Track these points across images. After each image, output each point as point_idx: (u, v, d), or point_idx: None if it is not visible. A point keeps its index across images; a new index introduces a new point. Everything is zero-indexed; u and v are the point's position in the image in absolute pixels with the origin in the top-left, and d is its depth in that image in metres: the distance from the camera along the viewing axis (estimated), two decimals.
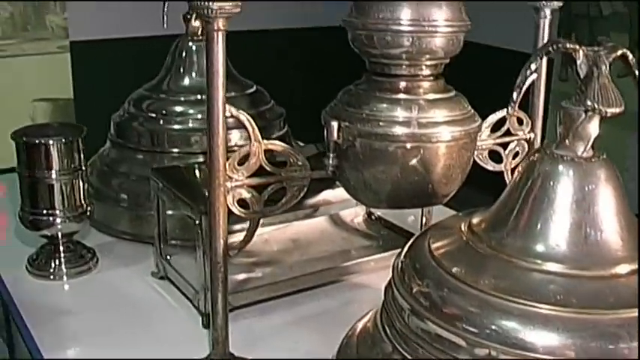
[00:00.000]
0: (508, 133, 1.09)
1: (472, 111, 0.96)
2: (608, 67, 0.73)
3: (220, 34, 0.81)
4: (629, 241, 0.73)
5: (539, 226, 0.73)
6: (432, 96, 0.93)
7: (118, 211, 1.31)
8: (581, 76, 0.73)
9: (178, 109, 1.33)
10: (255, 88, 1.40)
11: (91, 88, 3.16)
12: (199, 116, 1.32)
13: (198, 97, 1.34)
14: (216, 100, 0.83)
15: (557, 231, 0.73)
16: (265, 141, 0.88)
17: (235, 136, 1.28)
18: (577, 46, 0.73)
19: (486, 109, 1.05)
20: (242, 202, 0.88)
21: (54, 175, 1.14)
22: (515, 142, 1.11)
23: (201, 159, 1.29)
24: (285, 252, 1.22)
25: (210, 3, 0.80)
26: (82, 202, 1.17)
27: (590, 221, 0.73)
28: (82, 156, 1.16)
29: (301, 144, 1.49)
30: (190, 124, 1.32)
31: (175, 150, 1.31)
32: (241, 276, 1.13)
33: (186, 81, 1.36)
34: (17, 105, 3.12)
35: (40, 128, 1.17)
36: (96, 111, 3.12)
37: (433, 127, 0.92)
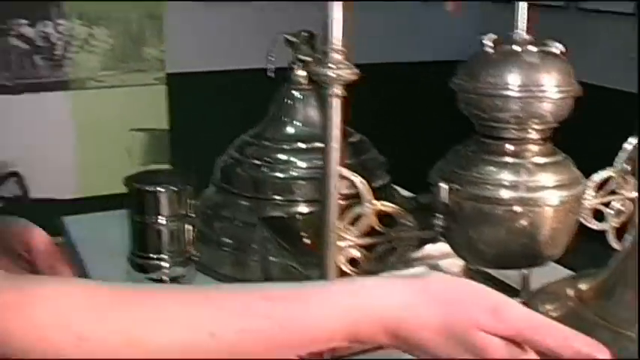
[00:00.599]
0: (612, 191, 1.10)
1: (579, 174, 0.98)
2: None
3: (336, 99, 0.86)
4: None
5: None
6: (539, 159, 0.96)
7: (221, 255, 1.36)
8: None
9: (282, 157, 1.38)
10: (357, 136, 1.44)
11: (187, 119, 3.26)
12: (303, 165, 1.37)
13: (302, 145, 1.38)
14: (331, 164, 0.87)
15: None
16: (376, 202, 0.92)
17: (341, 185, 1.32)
18: None
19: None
20: (352, 261, 0.92)
21: (163, 221, 1.19)
22: (619, 201, 1.11)
23: (303, 207, 1.33)
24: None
25: (328, 70, 0.84)
26: (189, 247, 1.23)
27: None
28: (190, 203, 1.22)
29: (397, 188, 1.52)
30: (293, 173, 1.37)
31: (278, 197, 1.35)
32: None
33: (290, 129, 1.40)
34: (115, 134, 3.25)
35: (150, 175, 1.24)
36: (190, 141, 3.24)
37: (541, 191, 0.94)
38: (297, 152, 1.38)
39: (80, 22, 3.18)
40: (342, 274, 0.91)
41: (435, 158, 1.02)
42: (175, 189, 1.20)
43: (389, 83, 3.40)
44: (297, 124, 1.41)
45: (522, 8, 0.97)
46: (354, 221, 0.91)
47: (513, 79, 0.93)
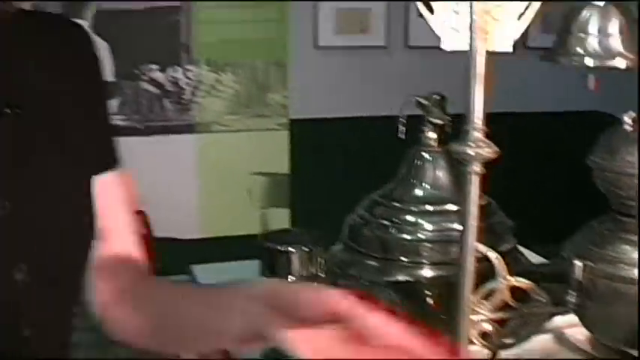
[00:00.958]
0: None
1: None
2: None
3: (475, 176, 0.88)
4: None
5: None
6: None
7: None
8: None
9: (410, 218, 1.40)
10: (485, 199, 1.45)
11: (307, 164, 3.33)
12: (430, 227, 1.39)
13: (430, 208, 1.41)
14: (468, 241, 0.89)
15: None
16: (511, 277, 0.94)
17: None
18: None
19: None
20: (483, 334, 0.94)
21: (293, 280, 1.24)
22: None
23: (429, 270, 1.35)
24: None
25: (468, 149, 0.87)
26: None
27: None
28: (320, 263, 1.26)
29: (522, 249, 1.52)
30: (420, 235, 1.39)
31: (405, 259, 1.38)
32: None
33: (419, 191, 1.43)
34: (237, 176, 3.34)
35: (283, 234, 1.28)
36: (311, 186, 3.31)
37: None
38: (425, 214, 1.40)
39: (208, 68, 3.30)
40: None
41: (562, 218, 1.02)
42: (306, 249, 1.25)
43: (508, 135, 3.39)
44: (426, 186, 1.44)
45: None
46: (488, 296, 0.93)
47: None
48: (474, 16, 0.84)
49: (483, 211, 1.45)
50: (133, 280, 1.13)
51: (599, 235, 0.97)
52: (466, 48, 0.85)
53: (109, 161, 1.15)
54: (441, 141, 1.43)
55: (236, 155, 3.35)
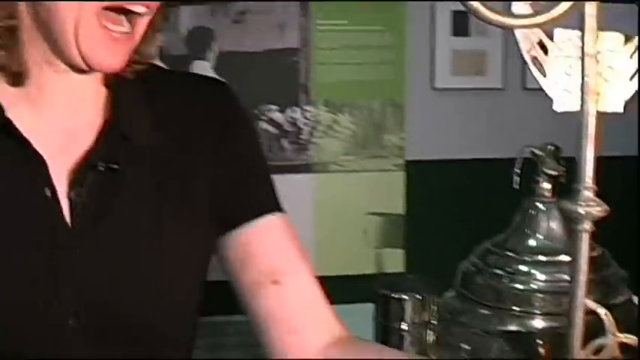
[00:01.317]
0: None
1: None
2: None
3: (586, 234, 0.90)
4: None
5: None
6: None
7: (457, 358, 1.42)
8: None
9: (523, 268, 1.43)
10: (599, 250, 1.46)
11: (422, 205, 3.36)
12: (543, 277, 1.41)
13: (543, 258, 1.43)
14: (577, 297, 0.91)
15: None
16: (620, 334, 0.95)
17: None
18: None
19: None
20: None
21: (405, 327, 1.28)
22: None
23: (540, 320, 1.37)
24: None
25: (579, 207, 0.89)
26: (428, 352, 1.30)
27: None
28: (432, 310, 1.29)
29: (636, 300, 1.51)
30: (533, 285, 1.41)
31: (517, 309, 1.40)
32: None
33: (532, 241, 1.45)
34: (352, 216, 3.40)
35: (397, 281, 1.33)
36: (424, 226, 3.33)
37: None
38: (538, 265, 1.42)
39: (326, 109, 3.38)
40: None
41: None
42: (420, 297, 1.28)
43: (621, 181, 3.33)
44: (539, 236, 1.46)
45: None
46: (597, 352, 0.95)
47: None
48: (585, 78, 0.86)
49: (596, 262, 1.45)
50: (323, 333, 1.17)
51: None
52: (577, 109, 0.88)
53: (265, 206, 1.23)
54: (555, 191, 1.44)
55: (352, 195, 3.41)
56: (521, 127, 3.23)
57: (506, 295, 1.40)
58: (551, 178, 1.44)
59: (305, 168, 3.41)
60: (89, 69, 1.10)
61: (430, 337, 1.30)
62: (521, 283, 1.40)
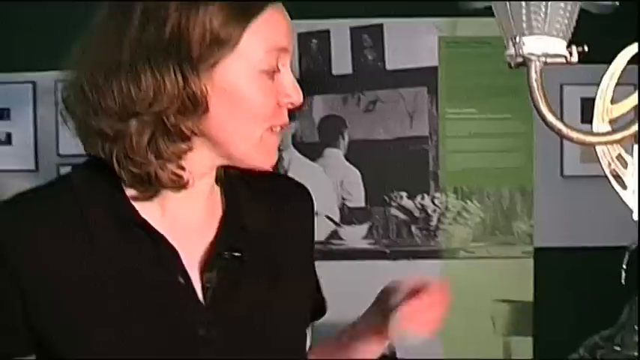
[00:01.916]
0: None
1: None
2: None
3: None
4: None
5: None
6: None
7: None
8: None
9: None
10: None
11: (551, 293, 3.37)
12: None
13: None
14: None
15: None
16: None
17: None
18: None
19: None
20: None
21: None
22: None
23: None
24: None
25: None
26: None
27: None
28: None
29: None
30: None
31: None
32: None
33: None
34: (481, 303, 3.44)
35: None
36: (553, 315, 3.34)
37: None
38: None
39: (455, 197, 3.47)
40: None
41: None
42: None
43: None
44: None
45: None
46: None
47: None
48: None
49: None
50: None
51: None
52: None
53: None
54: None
55: (480, 282, 3.46)
56: None
57: None
58: None
59: (434, 254, 3.49)
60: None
61: None
62: None
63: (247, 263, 1.31)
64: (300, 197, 1.53)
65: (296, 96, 1.27)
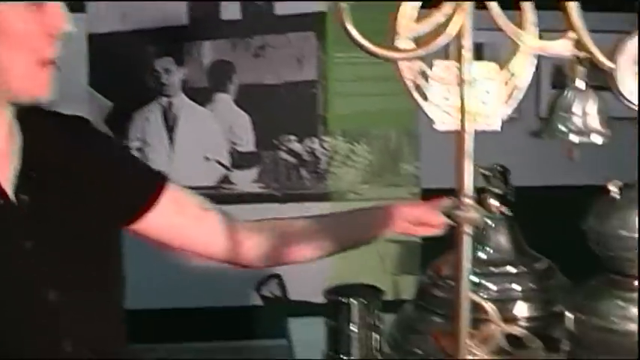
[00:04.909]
0: None
1: None
2: None
3: (467, 236, 1.07)
4: None
5: None
6: None
7: None
8: None
9: (473, 279, 1.57)
10: (544, 262, 1.61)
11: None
12: (494, 287, 1.56)
13: (493, 269, 1.58)
14: (461, 291, 1.08)
15: None
16: (504, 325, 1.11)
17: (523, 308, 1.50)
18: None
19: None
20: None
21: (353, 328, 1.45)
22: None
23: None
24: None
25: (459, 213, 1.06)
26: (375, 352, 1.47)
27: None
28: (378, 314, 1.46)
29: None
30: (484, 294, 1.56)
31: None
32: None
33: (481, 254, 1.61)
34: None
35: (346, 288, 1.50)
36: (440, 254, 3.47)
37: None
38: (488, 276, 1.58)
39: (343, 140, 3.57)
40: None
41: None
42: (365, 301, 1.45)
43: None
44: (489, 250, 1.62)
45: None
46: (485, 340, 1.11)
47: (638, 223, 1.10)
48: (463, 102, 1.04)
49: (542, 274, 1.60)
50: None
51: (592, 291, 1.13)
52: (457, 128, 1.06)
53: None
54: (502, 209, 1.60)
55: None
56: (534, 154, 3.37)
57: None
58: (497, 196, 1.60)
59: (323, 197, 3.59)
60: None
61: (377, 340, 1.47)
62: (472, 293, 1.54)
63: (49, 182, 1.37)
64: (79, 123, 1.55)
65: (61, 24, 1.29)
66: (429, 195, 3.52)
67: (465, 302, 1.08)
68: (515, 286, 1.54)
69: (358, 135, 3.58)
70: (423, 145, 3.57)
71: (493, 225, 1.61)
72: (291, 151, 3.58)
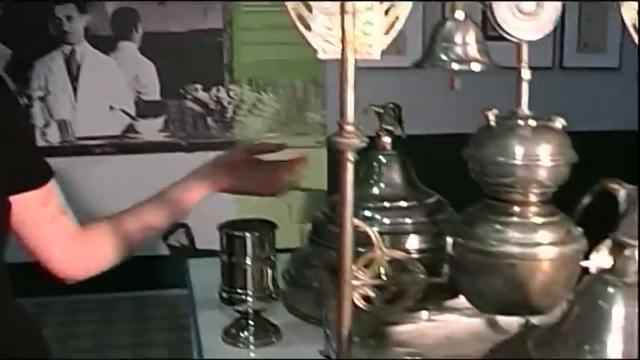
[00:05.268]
0: None
1: (577, 233, 1.17)
2: None
3: (349, 163, 1.11)
4: None
5: (588, 342, 0.90)
6: (539, 219, 1.16)
7: (307, 297, 1.62)
8: (620, 211, 0.93)
9: (367, 214, 1.61)
10: (435, 197, 1.65)
11: None
12: (387, 221, 1.59)
13: (386, 204, 1.62)
14: (346, 215, 1.11)
15: (605, 348, 0.90)
16: (386, 249, 1.15)
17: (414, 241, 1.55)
18: (619, 186, 0.93)
19: None
20: (367, 299, 1.15)
21: (248, 262, 1.47)
22: None
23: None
24: (437, 347, 1.45)
25: (342, 139, 1.10)
26: (270, 285, 1.50)
27: (631, 340, 0.90)
28: (272, 248, 1.49)
29: None
30: (376, 228, 1.59)
31: (362, 250, 1.59)
32: None
33: (375, 190, 1.64)
34: None
35: (241, 222, 1.52)
36: None
37: (536, 247, 1.14)
38: (381, 210, 1.61)
39: (249, 88, 3.58)
40: (357, 308, 1.15)
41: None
42: (259, 235, 1.48)
43: None
44: (382, 185, 1.65)
45: (525, 87, 1.18)
46: (368, 264, 1.15)
47: (513, 150, 1.14)
48: (345, 31, 1.07)
49: (432, 208, 1.65)
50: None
51: (470, 217, 1.18)
52: (338, 57, 1.08)
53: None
54: (395, 145, 1.64)
55: None
56: (437, 102, 3.45)
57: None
58: (390, 133, 1.63)
59: (229, 145, 3.59)
60: None
61: (271, 273, 1.49)
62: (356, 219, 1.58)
63: None
64: None
65: None
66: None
67: (348, 227, 1.12)
68: (407, 219, 1.58)
69: (265, 84, 3.60)
70: (329, 94, 3.60)
71: (385, 161, 1.65)
72: (197, 100, 3.58)
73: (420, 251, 1.52)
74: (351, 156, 1.11)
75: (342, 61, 1.09)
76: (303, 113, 3.62)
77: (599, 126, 3.97)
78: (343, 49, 1.08)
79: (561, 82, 4.01)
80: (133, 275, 3.67)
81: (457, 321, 1.51)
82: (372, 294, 1.16)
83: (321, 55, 1.10)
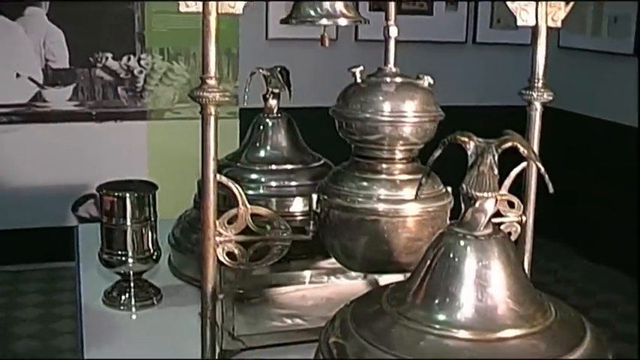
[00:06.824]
0: (498, 214, 1.27)
1: (443, 190, 1.18)
2: (495, 157, 0.92)
3: (212, 117, 1.10)
4: (519, 309, 0.91)
5: (439, 296, 0.90)
6: (404, 177, 1.16)
7: (191, 261, 1.61)
8: (469, 164, 0.93)
9: (253, 176, 1.60)
10: (321, 161, 1.65)
11: None
12: (273, 184, 1.59)
13: (273, 167, 1.61)
14: (209, 170, 1.10)
15: (455, 301, 0.91)
16: (251, 206, 1.15)
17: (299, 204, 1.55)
18: (468, 139, 0.93)
19: None
20: (232, 255, 1.15)
21: (128, 223, 1.45)
22: (507, 224, 1.29)
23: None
24: (315, 308, 1.46)
25: (204, 93, 1.08)
26: (150, 247, 1.48)
27: (482, 293, 0.91)
28: (152, 209, 1.48)
29: None
30: (262, 191, 1.59)
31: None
32: (266, 322, 1.38)
33: (262, 152, 1.64)
34: (188, 162, 3.55)
35: (121, 183, 1.50)
36: None
37: (400, 204, 1.14)
38: (267, 173, 1.60)
39: (161, 58, 3.54)
40: (221, 264, 1.14)
41: None
42: (138, 195, 1.46)
43: None
44: (268, 148, 1.65)
45: (391, 45, 1.18)
46: (233, 221, 1.14)
47: (378, 106, 1.14)
48: None
49: (318, 172, 1.65)
50: None
51: (338, 175, 1.18)
52: (200, 10, 1.07)
53: None
54: (280, 108, 1.64)
55: (186, 142, 3.55)
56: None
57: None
58: (276, 96, 1.63)
59: (140, 115, 3.56)
60: None
61: (151, 235, 1.48)
62: (251, 189, 1.57)
63: None
64: None
65: None
66: (246, 113, 3.58)
67: (210, 182, 1.11)
68: (292, 182, 1.58)
69: (176, 53, 3.56)
70: (241, 65, 3.57)
71: (271, 124, 1.64)
72: (107, 69, 3.52)
73: (304, 213, 1.52)
74: (212, 110, 1.10)
75: (203, 14, 1.08)
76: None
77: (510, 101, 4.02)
78: (204, 3, 1.06)
79: (474, 56, 4.06)
80: (44, 247, 3.62)
81: (339, 283, 1.52)
82: (236, 251, 1.15)
83: (182, 8, 1.08)
